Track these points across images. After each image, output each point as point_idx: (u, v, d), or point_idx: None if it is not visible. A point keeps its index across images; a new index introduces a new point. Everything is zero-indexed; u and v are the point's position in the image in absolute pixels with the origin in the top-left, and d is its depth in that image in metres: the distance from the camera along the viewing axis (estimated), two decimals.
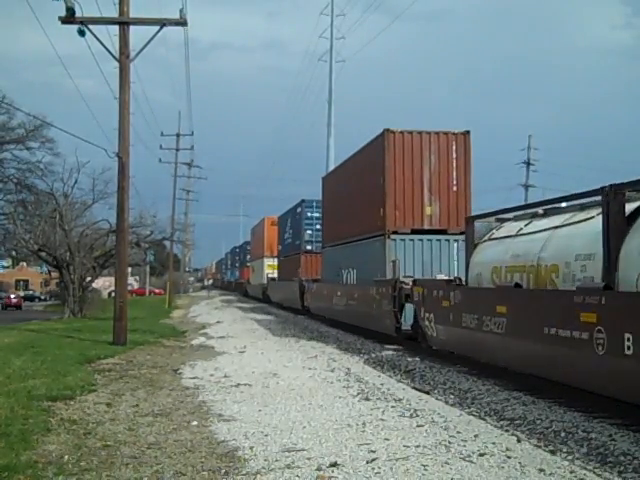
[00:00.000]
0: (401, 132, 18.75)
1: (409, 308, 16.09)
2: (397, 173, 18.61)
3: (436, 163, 18.71)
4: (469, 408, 9.59)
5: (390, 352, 16.46)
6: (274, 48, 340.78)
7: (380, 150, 18.97)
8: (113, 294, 21.42)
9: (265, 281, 45.42)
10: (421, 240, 18.60)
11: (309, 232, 33.26)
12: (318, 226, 31.04)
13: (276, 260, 42.93)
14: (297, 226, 35.20)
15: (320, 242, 29.36)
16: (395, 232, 18.57)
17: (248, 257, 62.54)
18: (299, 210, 34.70)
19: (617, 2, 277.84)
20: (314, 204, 32.66)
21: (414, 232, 18.63)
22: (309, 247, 33.28)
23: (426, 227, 18.73)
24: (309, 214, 33.45)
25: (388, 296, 17.22)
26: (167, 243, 56.46)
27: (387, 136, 18.61)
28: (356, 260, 21.90)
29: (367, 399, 9.94)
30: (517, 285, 11.10)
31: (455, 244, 18.40)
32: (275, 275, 42.68)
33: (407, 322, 16.38)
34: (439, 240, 18.63)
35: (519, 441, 7.54)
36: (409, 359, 14.98)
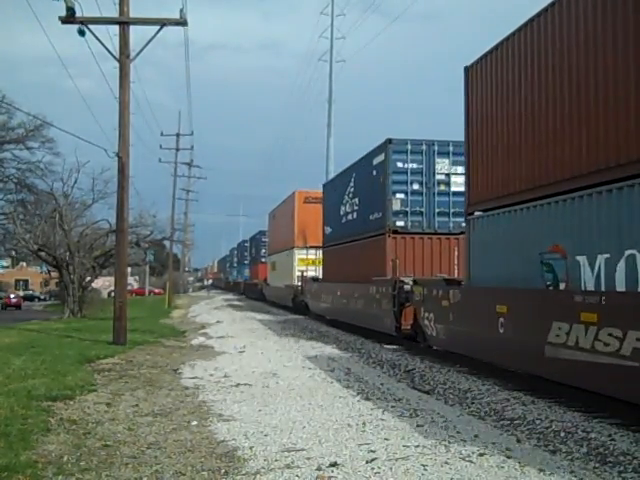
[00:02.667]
0: None
1: None
2: None
3: None
4: (469, 408, 9.59)
5: (390, 352, 16.45)
6: (270, 48, 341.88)
7: None
8: (113, 294, 21.41)
9: (296, 282, 32.64)
10: None
11: (400, 197, 19.07)
12: (416, 186, 19.00)
13: (314, 252, 31.72)
14: (373, 188, 20.29)
15: (420, 214, 19.07)
16: None
17: (263, 251, 51.62)
18: (380, 159, 19.70)
19: None
20: (408, 147, 19.00)
21: None
22: (400, 223, 19.05)
23: None
24: (399, 164, 19.03)
25: None
26: (167, 243, 56.53)
27: None
28: None
29: (367, 399, 9.94)
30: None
31: None
32: (316, 273, 30.76)
33: None
34: None
35: (519, 441, 7.55)
36: (409, 359, 14.98)
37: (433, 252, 18.92)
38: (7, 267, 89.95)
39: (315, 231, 30.75)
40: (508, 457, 6.76)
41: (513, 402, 9.80)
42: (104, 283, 53.26)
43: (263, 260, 51.09)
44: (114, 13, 17.63)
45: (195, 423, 8.25)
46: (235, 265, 79.87)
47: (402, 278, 16.94)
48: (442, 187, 19.14)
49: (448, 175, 19.05)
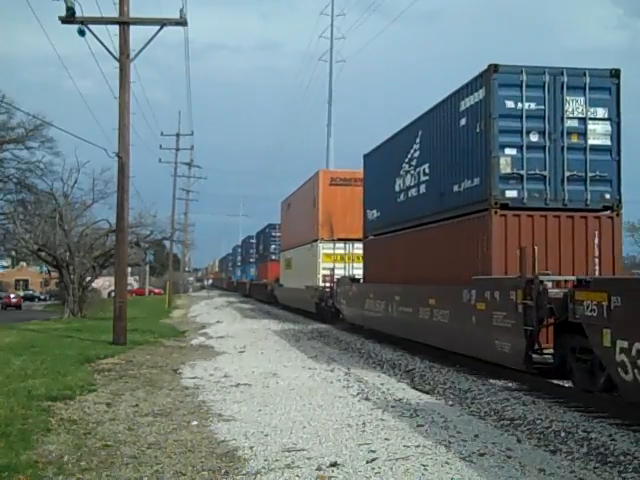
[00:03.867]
0: None
1: None
2: None
3: None
4: (469, 408, 9.59)
5: (390, 352, 16.44)
6: (269, 49, 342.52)
7: None
8: (113, 294, 21.41)
9: (321, 282, 26.62)
10: None
11: (510, 153, 12.84)
12: (535, 137, 12.85)
13: (343, 246, 26.78)
14: (462, 145, 14.00)
15: (541, 179, 12.87)
16: None
17: (273, 247, 46.17)
18: (476, 99, 13.41)
19: (609, 3, 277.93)
20: (523, 77, 12.78)
21: None
22: (512, 193, 12.85)
23: None
24: (509, 104, 12.79)
25: None
26: (167, 243, 56.46)
27: None
28: None
29: (367, 399, 9.95)
30: None
31: None
32: (346, 272, 25.75)
33: None
34: None
35: (519, 441, 7.55)
36: (409, 359, 14.98)
37: (562, 237, 12.65)
38: (7, 267, 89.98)
39: (344, 220, 26.37)
40: (508, 457, 6.76)
41: (513, 402, 9.80)
42: (104, 283, 53.18)
43: (273, 257, 45.80)
44: (114, 13, 17.64)
45: (195, 423, 8.25)
46: (239, 264, 74.25)
47: (541, 278, 10.68)
48: (574, 139, 12.86)
49: (584, 120, 12.84)
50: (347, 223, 25.84)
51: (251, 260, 60.85)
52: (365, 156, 21.36)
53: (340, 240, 26.88)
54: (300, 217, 32.20)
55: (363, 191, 21.54)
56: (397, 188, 17.85)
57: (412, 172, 16.84)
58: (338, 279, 24.35)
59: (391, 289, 17.54)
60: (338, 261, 26.71)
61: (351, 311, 22.11)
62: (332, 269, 26.03)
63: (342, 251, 26.97)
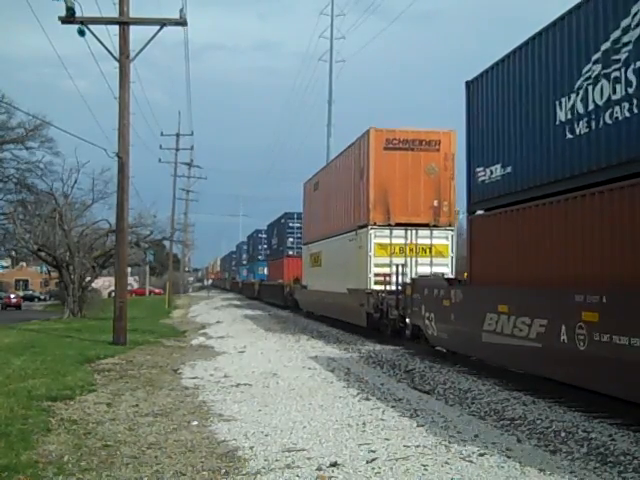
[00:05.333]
0: None
1: None
2: None
3: None
4: (469, 408, 9.59)
5: (390, 352, 16.45)
6: (267, 49, 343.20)
7: None
8: (113, 294, 21.41)
9: (372, 284, 19.39)
10: None
11: None
12: None
13: (403, 233, 19.66)
14: None
15: None
16: None
17: (291, 241, 39.02)
18: None
19: None
20: None
21: None
22: None
23: None
24: None
25: None
26: (167, 243, 56.51)
27: None
28: None
29: (367, 399, 9.94)
30: None
31: None
32: (410, 269, 19.30)
33: None
34: None
35: (519, 441, 7.55)
36: (409, 359, 14.98)
37: None
38: (7, 267, 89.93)
39: (404, 198, 19.57)
40: (508, 457, 6.76)
41: (513, 402, 9.80)
42: (104, 283, 53.17)
43: (291, 253, 38.62)
44: (114, 13, 17.65)
45: (195, 423, 8.25)
46: (244, 262, 66.73)
47: None
48: None
49: None
50: (409, 203, 19.62)
51: (260, 257, 53.52)
52: (469, 83, 13.57)
53: (399, 226, 19.58)
54: (336, 197, 23.93)
55: (467, 139, 13.69)
56: (564, 116, 10.23)
57: (617, 75, 9.00)
58: (415, 279, 17.07)
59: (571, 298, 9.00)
60: (397, 254, 19.50)
61: (449, 331, 13.71)
62: (400, 265, 18.91)
63: (402, 241, 19.60)
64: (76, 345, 16.78)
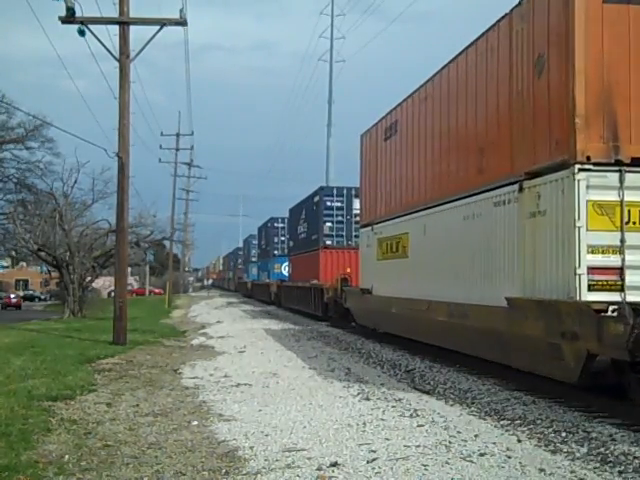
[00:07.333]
0: None
1: None
2: None
3: None
4: (469, 408, 9.58)
5: (390, 352, 16.45)
6: (265, 49, 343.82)
7: None
8: (113, 294, 21.42)
9: (576, 290, 8.76)
10: None
11: None
12: None
13: (630, 179, 8.96)
14: None
15: None
16: None
17: (328, 226, 29.21)
18: None
19: None
20: None
21: None
22: None
23: None
24: None
25: None
26: (167, 243, 56.50)
27: None
28: None
29: (367, 399, 9.94)
30: None
31: None
32: None
33: None
34: None
35: (519, 441, 7.54)
36: (409, 359, 14.98)
37: None
38: (7, 267, 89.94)
39: None
40: (508, 457, 6.75)
41: (513, 402, 9.80)
42: (104, 283, 53.23)
43: (329, 243, 29.11)
44: (114, 13, 17.65)
45: (195, 423, 8.25)
46: (254, 259, 57.84)
47: None
48: None
49: None
50: None
51: (275, 253, 44.14)
52: None
53: None
54: (459, 129, 13.16)
55: None
56: None
57: None
58: None
59: None
60: (636, 227, 9.19)
61: None
62: (627, 250, 9.06)
63: None
64: (76, 345, 16.78)
